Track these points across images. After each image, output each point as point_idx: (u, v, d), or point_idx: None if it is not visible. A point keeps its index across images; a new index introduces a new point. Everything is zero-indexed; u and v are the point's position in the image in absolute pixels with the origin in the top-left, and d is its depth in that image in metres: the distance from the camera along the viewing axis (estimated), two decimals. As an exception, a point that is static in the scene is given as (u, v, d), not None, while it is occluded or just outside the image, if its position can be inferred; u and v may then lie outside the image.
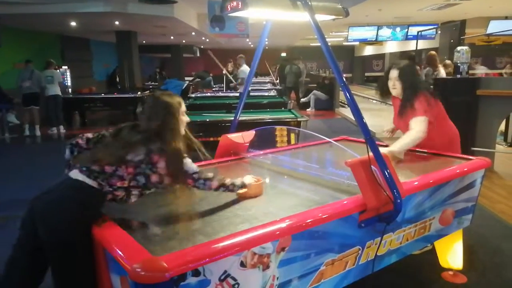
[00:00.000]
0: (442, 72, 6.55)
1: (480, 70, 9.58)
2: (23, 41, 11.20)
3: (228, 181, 1.87)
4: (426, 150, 2.73)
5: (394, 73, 2.74)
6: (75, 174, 1.70)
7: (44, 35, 12.24)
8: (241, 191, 1.94)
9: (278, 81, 13.99)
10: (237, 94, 8.82)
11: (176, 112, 1.86)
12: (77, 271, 1.63)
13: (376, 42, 13.83)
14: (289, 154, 2.87)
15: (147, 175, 1.73)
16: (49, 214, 1.61)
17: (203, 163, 2.60)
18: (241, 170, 2.61)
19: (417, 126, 2.58)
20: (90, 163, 1.72)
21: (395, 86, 2.75)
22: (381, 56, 22.77)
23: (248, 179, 1.97)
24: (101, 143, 1.85)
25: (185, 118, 1.94)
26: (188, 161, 1.79)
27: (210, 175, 1.83)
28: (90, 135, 1.91)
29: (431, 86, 2.90)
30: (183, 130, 1.93)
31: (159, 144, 1.73)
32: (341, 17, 2.28)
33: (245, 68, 8.97)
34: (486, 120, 4.99)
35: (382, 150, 2.70)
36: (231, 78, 9.97)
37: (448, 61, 7.17)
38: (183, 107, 1.93)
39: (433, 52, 6.93)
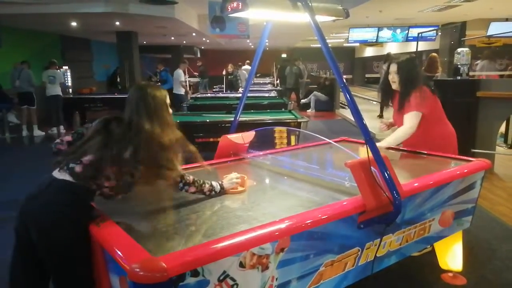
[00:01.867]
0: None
1: (480, 70, 9.51)
2: (24, 42, 11.21)
3: (206, 187, 1.89)
4: (425, 152, 2.74)
5: (393, 67, 2.84)
6: (61, 174, 1.63)
7: (44, 36, 12.26)
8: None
9: (278, 81, 14.02)
10: (238, 95, 8.87)
11: (165, 104, 1.79)
12: (77, 275, 1.61)
13: (376, 43, 13.85)
14: (289, 155, 2.88)
15: (132, 173, 1.66)
16: (42, 221, 1.56)
17: (204, 163, 2.60)
18: (241, 170, 2.61)
19: (408, 122, 2.72)
20: (74, 164, 1.64)
21: (394, 80, 2.85)
22: (381, 58, 22.76)
23: (228, 182, 2.00)
24: (82, 141, 1.72)
25: (170, 111, 1.87)
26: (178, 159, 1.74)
27: (190, 178, 1.83)
28: (69, 137, 1.82)
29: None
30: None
31: (146, 141, 1.65)
32: (341, 18, 2.28)
33: (180, 72, 9.70)
34: (486, 122, 4.99)
35: None
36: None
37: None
38: (168, 99, 1.86)
39: (434, 54, 6.90)
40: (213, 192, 1.92)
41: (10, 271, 1.69)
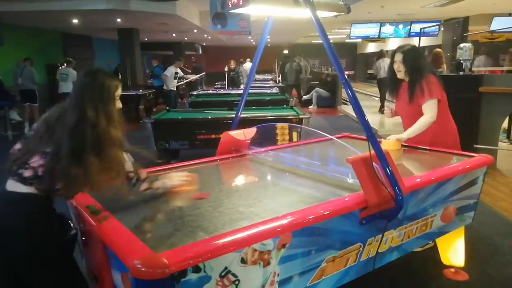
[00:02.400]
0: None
1: (477, 65, 9.49)
2: (25, 39, 11.23)
3: (158, 184, 1.86)
4: (428, 147, 2.73)
5: (398, 56, 2.83)
6: (10, 184, 1.53)
7: (46, 33, 12.27)
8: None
9: (280, 78, 14.00)
10: (240, 92, 8.88)
11: (113, 95, 1.65)
12: (58, 284, 1.58)
13: (378, 39, 13.80)
14: (290, 151, 2.87)
15: (72, 173, 1.50)
16: (3, 241, 1.49)
17: (205, 159, 2.61)
18: (242, 167, 2.62)
19: (428, 111, 2.71)
20: (22, 169, 1.52)
21: (399, 69, 2.84)
22: (383, 54, 22.66)
23: (175, 179, 1.94)
24: (27, 142, 1.60)
25: (118, 104, 1.72)
26: (124, 156, 1.67)
27: (143, 174, 1.79)
28: (19, 144, 1.63)
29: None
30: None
31: (91, 133, 1.53)
32: (343, 13, 2.27)
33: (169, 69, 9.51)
34: (489, 117, 4.97)
35: (392, 137, 2.74)
36: None
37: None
38: (119, 91, 1.72)
39: (438, 50, 6.82)
40: (161, 190, 1.89)
41: None
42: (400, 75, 2.86)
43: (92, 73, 1.65)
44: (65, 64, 9.54)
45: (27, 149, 1.57)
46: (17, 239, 1.50)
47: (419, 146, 2.78)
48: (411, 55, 2.80)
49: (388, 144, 2.70)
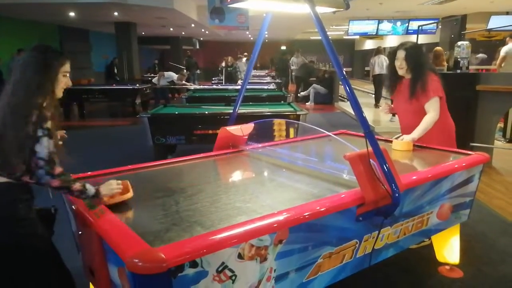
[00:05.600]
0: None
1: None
2: (21, 32, 11.14)
3: (76, 186, 1.56)
4: (425, 145, 2.74)
5: (401, 54, 2.83)
6: None
7: (42, 26, 12.18)
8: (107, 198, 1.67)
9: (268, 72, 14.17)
10: (237, 87, 8.88)
11: (52, 69, 1.60)
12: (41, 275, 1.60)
13: (376, 36, 13.81)
14: (288, 148, 2.87)
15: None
16: None
17: (202, 155, 2.60)
18: (239, 163, 2.61)
19: (432, 110, 2.73)
20: None
21: (402, 66, 2.83)
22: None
23: (107, 189, 1.66)
24: None
25: (66, 80, 1.68)
26: (44, 141, 1.49)
27: (58, 170, 1.52)
28: None
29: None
30: (60, 92, 1.67)
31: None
32: (342, 9, 2.26)
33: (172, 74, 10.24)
34: (485, 116, 4.98)
35: (405, 137, 2.71)
36: None
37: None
38: (67, 67, 1.66)
39: (439, 48, 6.81)
40: (84, 195, 1.60)
41: None
42: (402, 72, 2.85)
43: (37, 49, 1.62)
44: None
45: None
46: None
47: (416, 144, 2.78)
48: (414, 53, 2.79)
49: (400, 145, 2.70)
